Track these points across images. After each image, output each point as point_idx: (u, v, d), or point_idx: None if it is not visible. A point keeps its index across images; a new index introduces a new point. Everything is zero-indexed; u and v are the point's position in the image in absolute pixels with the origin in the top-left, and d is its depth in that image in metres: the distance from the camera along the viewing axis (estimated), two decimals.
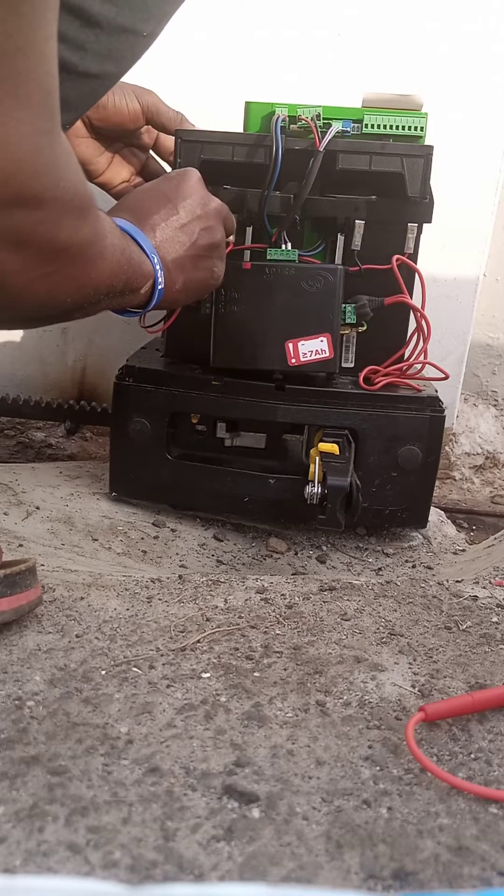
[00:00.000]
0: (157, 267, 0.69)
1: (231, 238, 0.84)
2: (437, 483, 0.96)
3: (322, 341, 0.86)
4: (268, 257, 0.89)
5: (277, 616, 0.65)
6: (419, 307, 0.91)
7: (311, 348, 0.86)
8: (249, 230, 0.91)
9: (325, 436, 0.89)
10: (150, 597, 0.66)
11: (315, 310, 0.86)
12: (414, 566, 0.95)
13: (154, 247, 0.70)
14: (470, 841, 0.41)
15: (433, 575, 0.92)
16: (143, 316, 0.91)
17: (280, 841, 0.41)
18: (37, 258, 0.52)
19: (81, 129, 0.85)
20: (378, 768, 0.47)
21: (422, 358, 0.92)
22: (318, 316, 0.86)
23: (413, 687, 0.55)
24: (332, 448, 0.86)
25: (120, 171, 0.91)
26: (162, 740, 0.48)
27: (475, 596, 0.70)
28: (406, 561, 0.96)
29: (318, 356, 0.87)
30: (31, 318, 0.61)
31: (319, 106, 0.88)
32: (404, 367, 0.93)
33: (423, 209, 0.89)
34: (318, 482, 0.82)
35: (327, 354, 0.87)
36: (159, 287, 0.70)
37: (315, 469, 0.83)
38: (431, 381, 0.95)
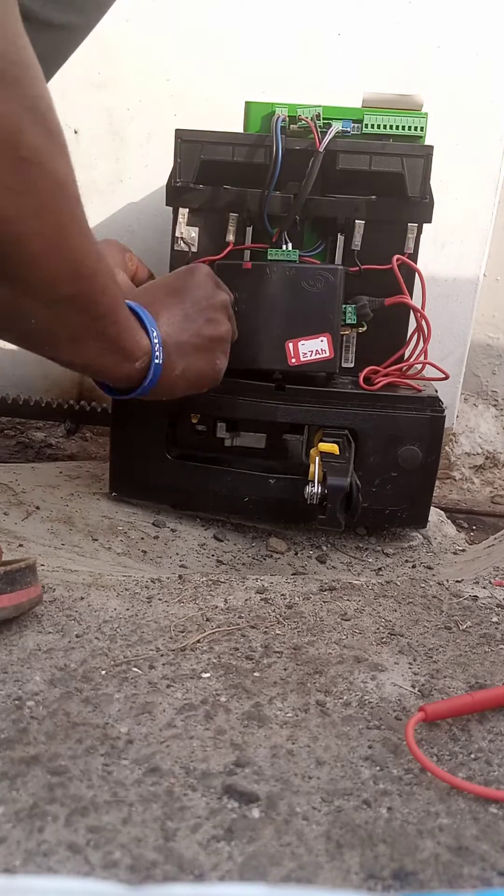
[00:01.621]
0: (156, 342, 0.70)
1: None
2: (437, 483, 0.96)
3: (322, 341, 0.86)
4: (268, 257, 0.89)
5: (277, 616, 0.65)
6: (419, 307, 0.91)
7: (312, 348, 0.86)
8: (249, 230, 0.91)
9: (325, 436, 0.89)
10: (150, 597, 0.66)
11: (315, 310, 0.86)
12: (414, 566, 0.95)
13: (157, 325, 0.71)
14: (470, 841, 0.41)
15: (433, 575, 0.92)
16: None
17: (280, 841, 0.41)
18: None
19: None
20: (378, 768, 0.47)
21: (422, 358, 0.92)
22: (319, 316, 0.86)
23: (413, 687, 0.55)
24: (332, 448, 0.86)
25: None
26: (162, 740, 0.48)
27: (475, 596, 0.70)
28: (406, 561, 0.96)
29: (318, 356, 0.87)
30: (10, 280, 0.54)
31: (319, 106, 0.88)
32: (404, 367, 0.93)
33: (422, 209, 0.89)
34: (318, 482, 0.82)
35: (327, 354, 0.87)
36: (156, 362, 0.70)
37: (315, 469, 0.83)
38: (431, 381, 0.95)
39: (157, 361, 0.70)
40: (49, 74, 0.70)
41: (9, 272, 0.53)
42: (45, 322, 0.59)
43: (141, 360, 0.69)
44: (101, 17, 0.70)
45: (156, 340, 0.70)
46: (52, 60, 0.68)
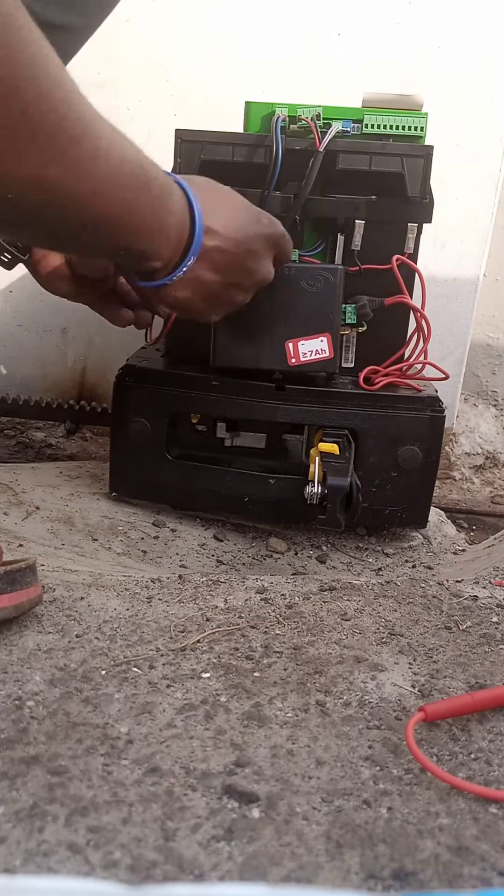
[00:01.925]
0: (197, 211, 0.61)
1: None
2: (437, 483, 0.96)
3: (322, 341, 0.86)
4: None
5: (277, 616, 0.65)
6: (419, 307, 0.91)
7: (311, 348, 0.86)
8: None
9: (324, 436, 0.89)
10: (150, 597, 0.66)
11: (315, 309, 0.86)
12: (414, 566, 0.95)
13: (202, 208, 0.62)
14: (470, 841, 0.41)
15: (433, 575, 0.92)
16: (150, 331, 0.89)
17: (280, 841, 0.41)
18: None
19: (64, 271, 0.74)
20: (378, 768, 0.47)
21: (422, 358, 0.92)
22: (319, 316, 0.86)
23: (413, 687, 0.55)
24: (332, 448, 0.86)
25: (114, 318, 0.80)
26: (162, 740, 0.48)
27: (475, 596, 0.70)
28: (406, 561, 0.96)
29: (318, 356, 0.86)
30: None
31: (319, 106, 0.88)
32: (404, 367, 0.93)
33: (422, 209, 0.89)
34: (318, 482, 0.82)
35: (327, 354, 0.87)
36: (189, 262, 0.61)
37: (315, 469, 0.83)
38: (431, 381, 0.95)
39: (190, 263, 0.62)
40: None
41: None
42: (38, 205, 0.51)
43: (175, 233, 0.60)
44: (103, 20, 0.69)
45: (197, 210, 0.61)
46: None
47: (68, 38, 0.67)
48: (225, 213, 0.66)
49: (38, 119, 0.47)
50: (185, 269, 0.62)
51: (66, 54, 0.69)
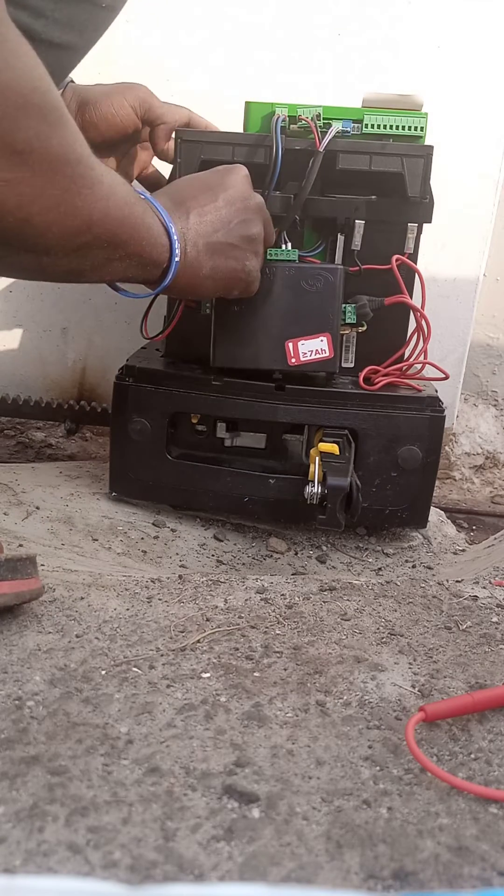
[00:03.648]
0: (174, 237, 0.68)
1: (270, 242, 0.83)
2: (437, 483, 0.96)
3: (322, 341, 0.86)
4: (268, 257, 0.89)
5: (277, 616, 0.65)
6: (419, 307, 0.91)
7: (311, 348, 0.86)
8: None
9: (325, 436, 0.89)
10: (150, 597, 0.66)
11: (315, 309, 0.86)
12: (414, 566, 0.95)
13: (181, 221, 0.69)
14: (470, 841, 0.41)
15: (433, 575, 0.92)
16: (145, 325, 0.90)
17: (280, 841, 0.41)
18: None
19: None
20: (378, 768, 0.47)
21: (422, 358, 0.92)
22: (318, 316, 0.86)
23: (413, 687, 0.55)
24: (332, 448, 0.86)
25: (128, 172, 0.91)
26: (162, 740, 0.48)
27: (475, 596, 0.70)
28: (406, 561, 0.96)
29: (318, 356, 0.86)
30: (27, 250, 0.58)
31: (319, 106, 0.88)
32: (404, 367, 0.93)
33: (423, 209, 0.89)
34: (318, 482, 0.82)
35: (327, 354, 0.87)
36: (175, 259, 0.68)
37: (315, 469, 0.83)
38: (431, 381, 0.95)
39: (176, 259, 0.69)
40: None
41: (25, 243, 0.56)
42: (71, 264, 0.61)
43: (161, 258, 0.68)
44: (98, 38, 0.72)
45: (174, 237, 0.68)
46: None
47: (66, 56, 0.70)
48: (202, 196, 0.73)
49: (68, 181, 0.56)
50: (175, 262, 0.69)
51: (64, 71, 0.73)
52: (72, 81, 0.85)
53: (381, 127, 0.88)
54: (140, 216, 0.64)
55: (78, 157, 0.55)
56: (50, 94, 0.52)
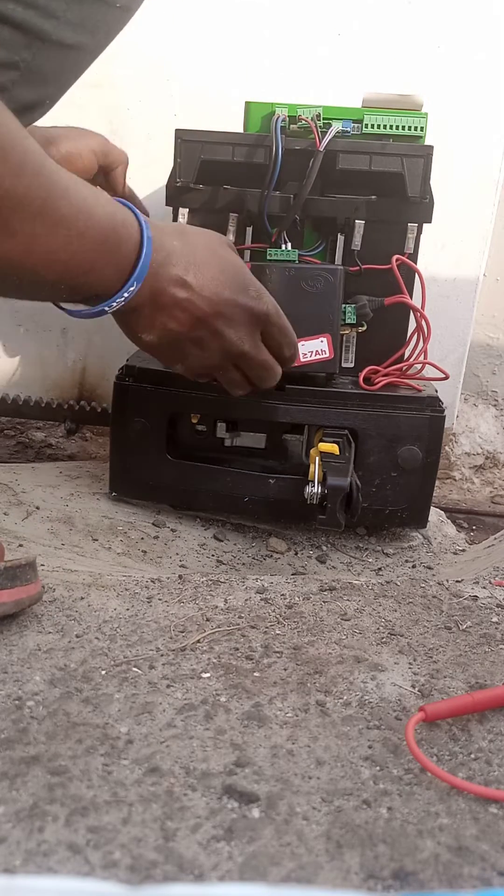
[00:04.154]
0: (146, 237, 0.60)
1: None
2: (437, 483, 0.96)
3: (322, 342, 0.86)
4: (268, 257, 0.89)
5: (277, 616, 0.65)
6: (419, 307, 0.91)
7: (312, 349, 0.86)
8: (249, 230, 0.91)
9: (325, 436, 0.89)
10: (150, 597, 0.66)
11: (315, 310, 0.86)
12: (414, 566, 0.95)
13: (154, 245, 0.61)
14: (470, 841, 0.41)
15: (433, 575, 0.92)
16: None
17: (280, 841, 0.41)
18: None
19: None
20: (378, 768, 0.47)
21: (422, 358, 0.92)
22: (319, 316, 0.86)
23: (413, 687, 0.55)
24: (332, 448, 0.86)
25: None
26: (162, 740, 0.48)
27: (475, 596, 0.70)
28: (406, 561, 0.96)
29: (318, 356, 0.87)
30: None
31: (319, 106, 0.88)
32: (404, 367, 0.93)
33: (423, 209, 0.89)
34: (318, 482, 0.82)
35: (327, 355, 0.87)
36: (131, 287, 0.61)
37: (315, 469, 0.83)
38: (431, 381, 0.95)
39: (132, 288, 0.61)
40: (59, 93, 0.70)
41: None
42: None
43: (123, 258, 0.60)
44: (112, 40, 0.70)
45: (146, 237, 0.60)
46: (62, 79, 0.68)
47: (77, 57, 0.68)
48: (206, 270, 0.66)
49: None
50: (121, 298, 0.62)
51: (75, 73, 0.70)
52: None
53: (381, 127, 0.88)
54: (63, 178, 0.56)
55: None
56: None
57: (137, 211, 0.62)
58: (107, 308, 0.63)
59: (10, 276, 0.54)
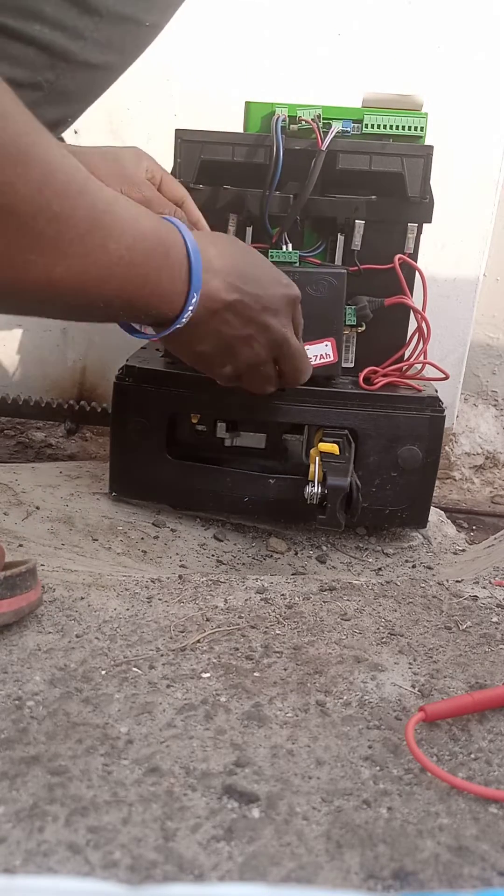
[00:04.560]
0: (195, 259, 0.60)
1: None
2: (437, 483, 0.96)
3: (327, 346, 0.86)
4: (269, 259, 0.89)
5: (277, 616, 0.65)
6: (419, 308, 0.91)
7: (317, 352, 0.86)
8: (250, 230, 0.91)
9: (325, 436, 0.89)
10: (150, 597, 0.66)
11: (320, 314, 0.86)
12: (414, 566, 0.95)
13: (205, 260, 0.62)
14: (470, 841, 0.41)
15: (433, 575, 0.92)
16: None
17: (280, 841, 0.41)
18: None
19: None
20: (378, 768, 0.47)
21: (422, 358, 0.92)
22: (323, 320, 0.86)
23: (413, 687, 0.55)
24: (332, 448, 0.86)
25: None
26: (162, 740, 0.48)
27: (475, 596, 0.70)
28: (406, 561, 0.96)
29: (322, 360, 0.87)
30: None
31: (320, 106, 0.88)
32: (404, 368, 0.93)
33: (423, 209, 0.89)
34: (318, 482, 0.82)
35: (332, 359, 0.87)
36: (190, 308, 0.62)
37: (315, 469, 0.83)
38: (431, 381, 0.95)
39: (191, 308, 0.61)
40: (82, 110, 0.69)
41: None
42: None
43: (175, 295, 0.60)
44: (138, 57, 0.69)
45: (195, 258, 0.60)
46: (86, 97, 0.67)
47: (103, 76, 0.67)
48: (245, 269, 0.67)
49: (40, 230, 0.49)
50: (188, 312, 0.62)
51: (99, 91, 0.69)
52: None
53: (381, 127, 0.88)
54: (102, 193, 0.55)
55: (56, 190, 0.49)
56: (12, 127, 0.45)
57: (174, 219, 0.61)
58: (179, 325, 0.63)
59: (68, 297, 0.53)
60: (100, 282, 0.54)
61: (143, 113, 1.14)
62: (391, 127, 0.88)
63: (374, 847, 0.41)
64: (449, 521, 1.10)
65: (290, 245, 0.89)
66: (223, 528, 0.99)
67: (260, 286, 0.68)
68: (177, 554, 0.92)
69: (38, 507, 0.92)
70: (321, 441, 0.87)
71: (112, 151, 0.72)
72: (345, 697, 0.54)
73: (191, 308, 0.62)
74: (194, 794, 0.44)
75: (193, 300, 0.62)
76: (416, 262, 0.91)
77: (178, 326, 0.63)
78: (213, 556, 0.93)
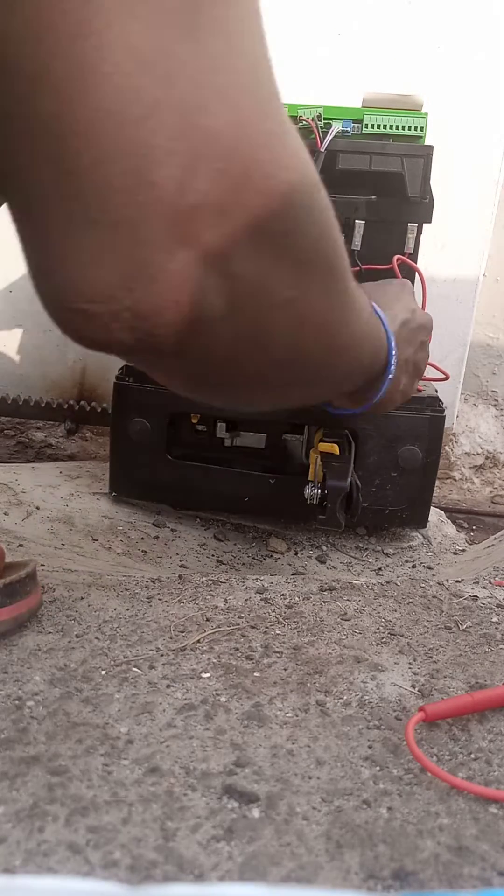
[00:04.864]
0: (393, 353, 0.62)
1: None
2: (437, 483, 0.96)
3: None
4: None
5: (277, 616, 0.65)
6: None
7: None
8: None
9: (325, 436, 0.89)
10: (150, 597, 0.66)
11: None
12: (414, 566, 0.95)
13: (393, 335, 0.63)
14: (470, 841, 0.41)
15: (433, 575, 0.92)
16: None
17: (280, 841, 0.41)
18: (284, 260, 0.38)
19: None
20: (378, 768, 0.47)
21: None
22: None
23: (413, 687, 0.55)
24: (331, 448, 0.86)
25: None
26: (162, 740, 0.48)
27: (475, 596, 0.70)
28: (406, 561, 0.96)
29: None
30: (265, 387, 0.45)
31: (320, 106, 0.88)
32: None
33: (423, 209, 0.89)
34: (318, 482, 0.82)
35: None
36: (389, 376, 0.62)
37: (315, 469, 0.83)
38: (431, 381, 0.95)
39: (389, 376, 0.63)
40: None
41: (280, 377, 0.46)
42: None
43: (376, 372, 0.62)
44: None
45: (393, 352, 0.62)
46: None
47: None
48: (401, 300, 0.70)
49: (324, 377, 0.51)
50: (388, 379, 0.63)
51: None
52: None
53: (381, 127, 0.88)
54: (376, 332, 0.57)
55: (345, 265, 0.45)
56: (316, 177, 0.40)
57: (375, 306, 0.62)
58: (377, 400, 0.65)
59: (278, 389, 0.49)
60: (331, 383, 0.55)
61: None
62: (391, 127, 0.88)
63: (374, 847, 0.41)
64: (449, 521, 1.10)
65: None
66: (223, 528, 0.99)
67: (417, 311, 0.71)
68: (177, 554, 0.92)
69: (38, 507, 0.92)
70: (321, 441, 0.87)
71: None
72: (345, 697, 0.54)
73: (389, 377, 0.63)
74: (194, 794, 0.44)
75: (390, 376, 0.63)
76: (415, 262, 0.91)
77: (373, 402, 0.65)
78: (213, 556, 0.93)
